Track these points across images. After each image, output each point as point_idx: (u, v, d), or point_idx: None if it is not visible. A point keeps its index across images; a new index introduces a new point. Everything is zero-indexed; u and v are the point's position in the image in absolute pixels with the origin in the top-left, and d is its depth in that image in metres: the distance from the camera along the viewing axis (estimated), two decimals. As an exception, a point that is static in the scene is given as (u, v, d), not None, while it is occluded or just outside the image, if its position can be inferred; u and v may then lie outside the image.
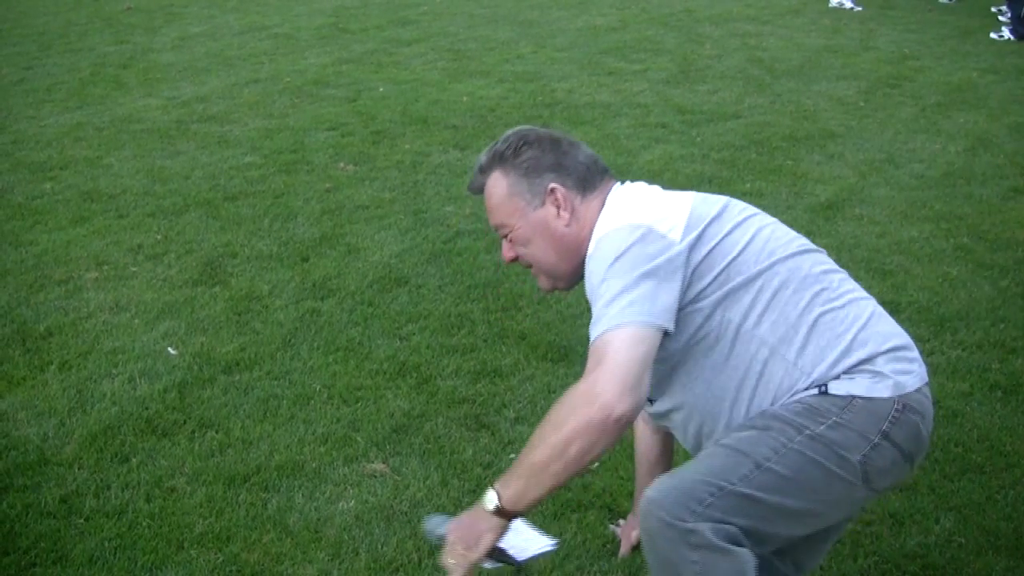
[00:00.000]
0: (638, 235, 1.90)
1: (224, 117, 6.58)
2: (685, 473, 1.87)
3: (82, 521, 2.77)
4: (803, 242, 2.04)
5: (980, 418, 3.19)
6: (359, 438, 3.13)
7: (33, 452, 3.08)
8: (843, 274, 2.03)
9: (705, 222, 1.96)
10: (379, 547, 2.66)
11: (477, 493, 2.85)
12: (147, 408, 3.30)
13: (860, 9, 9.90)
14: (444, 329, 3.77)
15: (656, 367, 1.87)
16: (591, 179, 2.10)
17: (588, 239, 2.03)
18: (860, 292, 2.01)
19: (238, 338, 3.74)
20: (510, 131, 2.16)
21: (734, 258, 1.94)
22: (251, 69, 7.87)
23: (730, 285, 1.92)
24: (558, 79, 7.41)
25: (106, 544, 2.67)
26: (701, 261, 1.93)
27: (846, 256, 4.36)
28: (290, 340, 3.72)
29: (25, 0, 11.30)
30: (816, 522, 1.97)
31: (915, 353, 1.97)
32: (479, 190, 2.17)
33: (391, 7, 10.33)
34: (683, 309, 1.91)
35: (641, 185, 2.11)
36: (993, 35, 8.73)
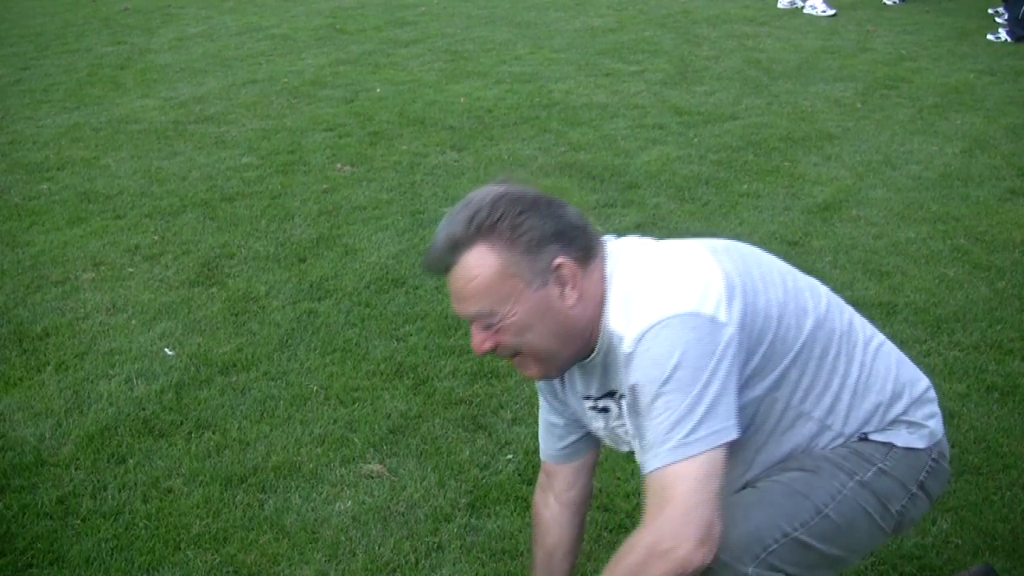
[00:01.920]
0: (689, 329, 1.64)
1: (221, 118, 6.58)
2: (748, 508, 1.77)
3: (79, 522, 2.77)
4: (820, 288, 1.91)
5: (977, 419, 3.19)
6: (356, 439, 3.13)
7: (30, 453, 3.08)
8: (856, 313, 1.96)
9: (742, 282, 1.75)
10: (376, 548, 2.66)
11: (474, 494, 2.86)
12: (144, 409, 3.30)
13: (833, 12, 9.85)
14: (441, 330, 3.77)
15: None
16: (590, 244, 1.77)
17: (595, 319, 1.76)
18: (878, 334, 1.96)
19: (235, 339, 3.74)
20: (484, 193, 1.75)
21: (777, 327, 1.77)
22: (248, 70, 7.87)
23: (781, 366, 1.78)
24: (555, 80, 7.41)
25: (103, 545, 2.67)
26: (751, 337, 1.73)
27: (843, 257, 4.36)
28: (287, 341, 3.72)
29: (22, 1, 11.28)
30: (843, 567, 1.92)
31: (933, 391, 1.96)
32: (445, 269, 1.74)
33: (388, 8, 10.33)
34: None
35: (634, 242, 1.87)
36: (990, 37, 8.73)
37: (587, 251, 1.76)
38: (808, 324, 1.81)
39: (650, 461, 1.65)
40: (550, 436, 2.09)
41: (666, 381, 1.63)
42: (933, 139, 6.03)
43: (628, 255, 1.81)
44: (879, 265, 4.32)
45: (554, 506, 2.13)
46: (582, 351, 1.80)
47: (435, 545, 2.67)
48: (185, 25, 9.70)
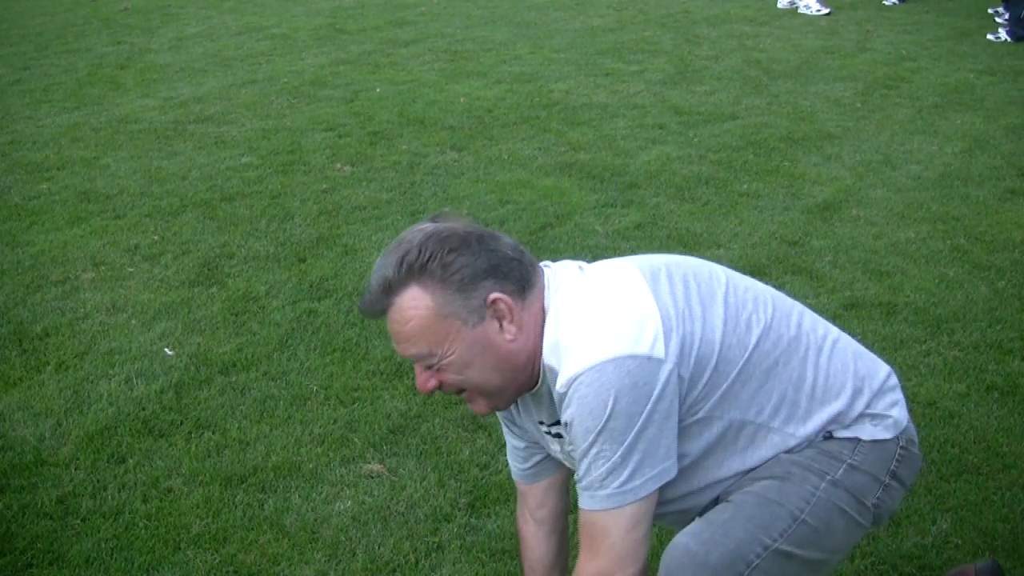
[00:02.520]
0: (624, 374, 1.64)
1: (221, 118, 6.58)
2: (725, 525, 1.76)
3: (79, 522, 2.77)
4: (765, 295, 1.88)
5: (977, 419, 3.19)
6: (356, 439, 3.13)
7: (30, 453, 3.08)
8: (807, 312, 1.92)
9: (679, 311, 1.73)
10: (376, 548, 2.66)
11: (474, 494, 2.86)
12: (144, 409, 3.30)
13: (827, 11, 9.85)
14: (441, 330, 3.76)
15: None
16: (526, 276, 1.75)
17: (537, 350, 1.75)
18: (832, 330, 1.92)
19: (235, 339, 3.74)
20: (414, 233, 1.73)
21: (720, 348, 1.75)
22: (248, 70, 7.87)
23: (725, 385, 1.76)
24: (555, 80, 7.41)
25: (103, 545, 2.67)
26: (692, 367, 1.72)
27: (843, 257, 4.36)
28: (287, 341, 3.72)
29: (22, 1, 11.29)
30: (827, 569, 1.91)
31: (894, 378, 1.93)
32: (380, 313, 1.73)
33: (388, 8, 10.33)
34: (681, 422, 1.74)
35: (572, 270, 1.83)
36: (990, 36, 8.73)
37: (523, 283, 1.74)
38: (753, 338, 1.79)
39: (584, 500, 1.71)
40: (514, 458, 2.11)
41: (600, 431, 1.66)
42: (933, 139, 6.03)
43: (565, 285, 1.79)
44: (879, 265, 4.32)
45: (530, 523, 2.16)
46: (527, 383, 1.80)
47: (435, 545, 2.67)
48: (185, 25, 9.70)
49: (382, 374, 3.49)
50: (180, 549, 2.67)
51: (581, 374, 1.66)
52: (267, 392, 3.39)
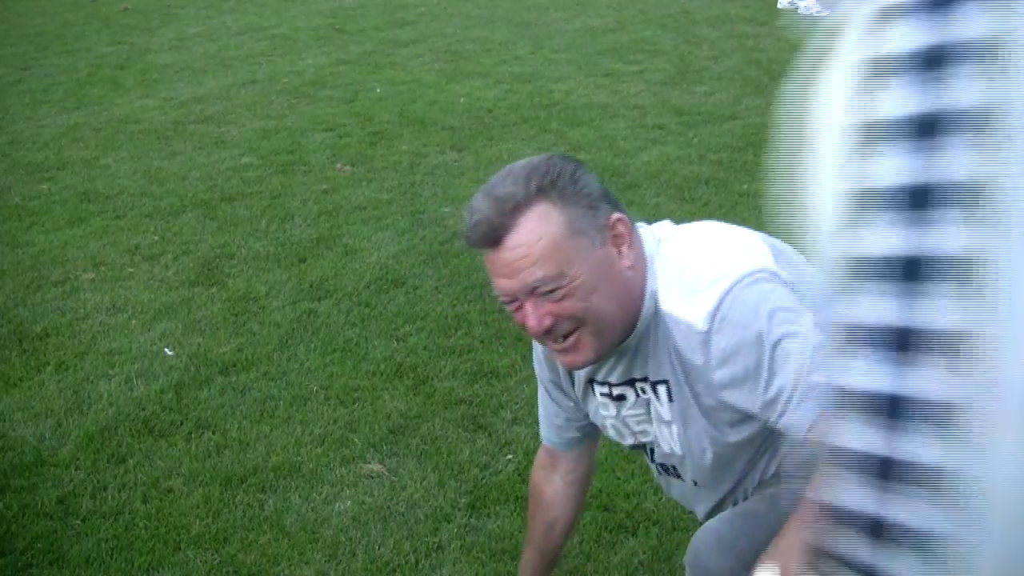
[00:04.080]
0: (760, 282, 1.61)
1: (221, 118, 6.58)
2: (759, 515, 1.75)
3: (79, 522, 2.77)
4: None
5: (977, 419, 3.19)
6: (356, 439, 3.13)
7: (30, 453, 3.08)
8: None
9: (779, 254, 1.70)
10: (376, 548, 2.66)
11: (474, 494, 2.86)
12: (144, 409, 3.30)
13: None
14: (441, 330, 3.77)
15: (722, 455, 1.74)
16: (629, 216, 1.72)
17: (642, 293, 1.68)
18: None
19: (235, 339, 3.74)
20: (528, 160, 1.67)
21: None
22: (248, 70, 7.87)
23: None
24: (555, 80, 7.41)
25: (103, 545, 2.67)
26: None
27: (843, 257, 4.36)
28: (287, 341, 3.72)
29: (22, 1, 11.29)
30: None
31: None
32: (495, 240, 1.59)
33: (388, 8, 10.33)
34: None
35: (665, 225, 1.81)
36: (990, 37, 8.74)
37: (630, 220, 1.71)
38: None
39: (811, 408, 1.58)
40: (551, 426, 2.08)
41: (768, 332, 1.57)
42: (933, 139, 6.02)
43: (667, 236, 1.75)
44: (879, 265, 4.31)
45: (558, 484, 2.12)
46: (627, 329, 1.70)
47: (435, 545, 2.67)
48: (185, 25, 9.70)
49: (382, 374, 3.49)
50: (180, 549, 2.67)
51: (720, 302, 1.60)
52: (267, 392, 3.39)
